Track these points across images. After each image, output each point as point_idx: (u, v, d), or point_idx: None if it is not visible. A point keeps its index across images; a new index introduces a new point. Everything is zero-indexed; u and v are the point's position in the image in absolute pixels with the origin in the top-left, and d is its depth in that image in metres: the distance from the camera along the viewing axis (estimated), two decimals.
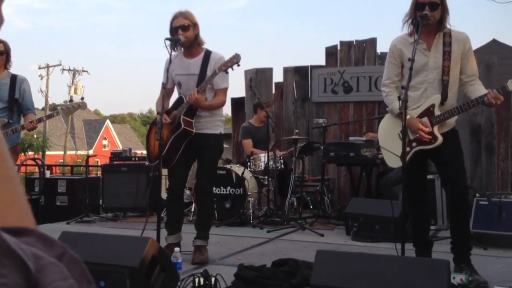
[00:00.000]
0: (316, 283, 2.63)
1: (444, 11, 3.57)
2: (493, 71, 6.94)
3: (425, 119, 3.62)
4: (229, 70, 4.06)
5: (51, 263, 0.52)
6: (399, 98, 3.35)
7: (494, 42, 18.12)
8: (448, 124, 3.65)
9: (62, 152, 35.26)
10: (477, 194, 5.19)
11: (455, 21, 3.67)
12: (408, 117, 3.58)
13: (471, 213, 4.86)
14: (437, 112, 3.59)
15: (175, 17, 4.16)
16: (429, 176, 5.46)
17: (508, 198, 5.17)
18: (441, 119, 3.58)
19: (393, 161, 3.66)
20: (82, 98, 5.79)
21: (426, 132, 3.58)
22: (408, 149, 3.65)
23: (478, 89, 3.58)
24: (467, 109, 3.63)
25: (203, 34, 4.25)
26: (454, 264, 3.62)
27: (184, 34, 4.09)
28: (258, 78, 8.02)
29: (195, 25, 4.18)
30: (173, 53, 4.12)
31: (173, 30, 4.13)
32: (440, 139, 3.57)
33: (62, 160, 32.95)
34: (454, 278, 3.31)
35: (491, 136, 7.03)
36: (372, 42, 7.67)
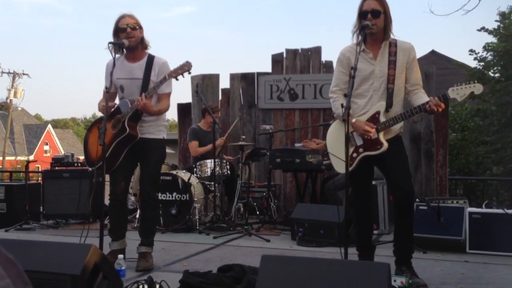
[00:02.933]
0: None
1: (387, 19, 3.69)
2: (432, 80, 7.20)
3: None
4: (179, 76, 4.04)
5: None
6: (342, 106, 3.42)
7: (433, 53, 18.85)
8: (393, 130, 3.75)
9: (0, 158, 33.98)
10: (417, 199, 5.36)
11: (396, 32, 3.77)
12: (354, 120, 3.67)
13: None
14: (382, 119, 3.69)
15: (122, 17, 4.11)
16: (372, 182, 5.61)
17: (446, 203, 5.38)
18: (386, 126, 3.68)
19: (341, 167, 3.72)
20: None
21: (372, 133, 3.66)
22: (355, 154, 3.74)
23: (421, 97, 3.71)
24: (411, 116, 3.74)
25: (150, 40, 4.24)
26: (395, 267, 3.72)
27: (132, 33, 4.05)
28: (204, 84, 8.01)
29: (140, 28, 4.16)
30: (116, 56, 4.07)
31: (120, 29, 4.07)
32: (385, 145, 3.67)
33: (0, 166, 31.78)
34: (395, 280, 3.41)
35: (430, 143, 7.28)
36: (317, 50, 7.81)
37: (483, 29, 12.90)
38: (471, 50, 13.07)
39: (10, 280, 0.51)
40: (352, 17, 3.77)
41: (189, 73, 4.02)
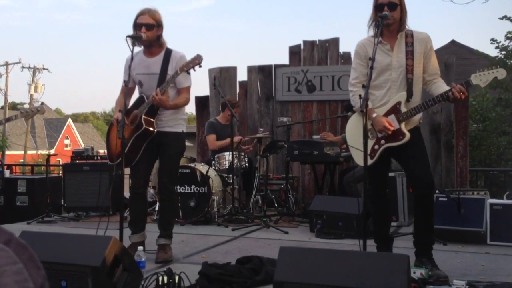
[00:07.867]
0: (279, 279, 2.65)
1: (403, 12, 3.67)
2: (452, 70, 7.11)
3: (392, 117, 3.69)
4: (191, 70, 4.03)
5: None
6: (360, 97, 3.40)
7: (453, 43, 18.58)
8: (413, 121, 3.72)
9: (22, 152, 34.47)
10: (437, 191, 5.31)
11: (415, 23, 3.73)
12: (375, 115, 3.65)
13: None
14: (403, 109, 3.66)
15: (142, 13, 4.10)
16: (391, 174, 5.57)
17: (467, 195, 5.31)
18: (408, 116, 3.65)
19: (362, 159, 3.70)
20: (42, 103, 5.69)
21: (391, 131, 3.64)
22: (377, 146, 3.72)
23: (441, 86, 3.68)
24: (433, 105, 3.71)
25: (167, 33, 4.22)
26: (415, 258, 3.70)
27: (147, 33, 4.04)
28: (222, 77, 8.01)
29: (159, 26, 4.14)
30: (135, 49, 4.06)
31: (137, 26, 4.08)
32: (407, 135, 3.64)
33: (22, 160, 32.22)
34: (414, 272, 3.39)
35: (450, 134, 7.20)
36: (335, 42, 7.76)
37: (505, 17, 12.67)
38: (492, 39, 12.85)
39: (22, 264, 0.52)
40: (369, 8, 3.74)
41: (200, 66, 4.00)
